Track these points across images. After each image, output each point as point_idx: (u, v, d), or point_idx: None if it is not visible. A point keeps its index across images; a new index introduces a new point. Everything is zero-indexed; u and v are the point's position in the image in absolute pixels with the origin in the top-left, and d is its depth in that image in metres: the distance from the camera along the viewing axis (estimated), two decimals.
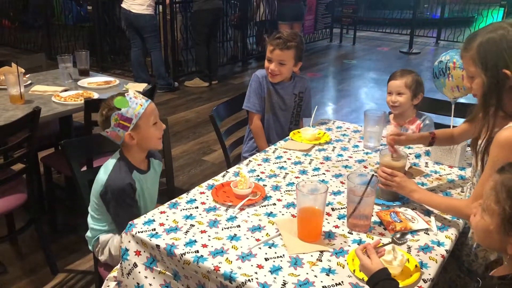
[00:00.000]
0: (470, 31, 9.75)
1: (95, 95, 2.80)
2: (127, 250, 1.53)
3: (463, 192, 1.83)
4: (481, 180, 1.49)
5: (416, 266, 1.36)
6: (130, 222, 1.57)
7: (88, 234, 1.86)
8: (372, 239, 1.50)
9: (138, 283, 1.51)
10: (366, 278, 1.26)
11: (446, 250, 1.47)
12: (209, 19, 5.98)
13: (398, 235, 1.52)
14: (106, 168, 1.79)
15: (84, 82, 3.09)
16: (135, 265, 1.52)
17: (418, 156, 2.17)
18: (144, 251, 1.51)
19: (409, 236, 1.52)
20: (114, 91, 2.97)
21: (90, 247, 1.87)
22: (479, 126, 1.53)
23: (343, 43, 9.82)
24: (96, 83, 3.08)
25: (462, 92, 1.96)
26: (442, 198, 1.70)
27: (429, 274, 1.35)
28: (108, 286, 1.60)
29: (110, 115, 1.71)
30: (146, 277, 1.50)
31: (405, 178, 1.67)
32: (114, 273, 1.61)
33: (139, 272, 1.51)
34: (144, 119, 1.73)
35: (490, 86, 1.44)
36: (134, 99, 1.73)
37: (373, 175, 1.52)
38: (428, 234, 1.55)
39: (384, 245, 1.37)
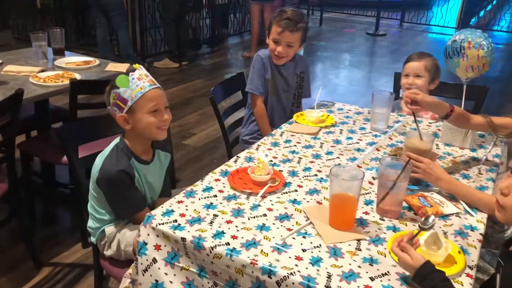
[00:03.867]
0: (433, 13, 9.95)
1: (77, 76, 2.60)
2: (145, 244, 1.40)
3: (481, 174, 1.80)
4: None
5: (459, 252, 1.31)
6: (148, 214, 1.44)
7: (91, 224, 1.71)
8: (406, 225, 1.45)
9: (157, 280, 1.39)
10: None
11: (480, 234, 1.44)
12: None
13: (422, 220, 1.46)
14: (103, 154, 1.66)
15: (62, 62, 2.87)
16: (154, 260, 1.39)
17: None
18: (165, 245, 1.38)
19: (433, 219, 1.45)
20: (95, 72, 2.78)
21: (93, 240, 1.72)
22: None
23: (309, 24, 9.75)
24: (75, 63, 2.86)
25: (476, 72, 1.92)
26: (471, 190, 1.60)
27: (472, 261, 1.31)
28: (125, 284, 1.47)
29: (111, 92, 1.62)
30: (166, 273, 1.38)
31: (431, 164, 1.60)
32: (130, 270, 1.48)
33: (159, 268, 1.39)
34: (141, 103, 1.59)
35: None
36: (137, 80, 1.59)
37: (409, 159, 1.45)
38: (460, 217, 1.50)
39: (415, 235, 1.30)
